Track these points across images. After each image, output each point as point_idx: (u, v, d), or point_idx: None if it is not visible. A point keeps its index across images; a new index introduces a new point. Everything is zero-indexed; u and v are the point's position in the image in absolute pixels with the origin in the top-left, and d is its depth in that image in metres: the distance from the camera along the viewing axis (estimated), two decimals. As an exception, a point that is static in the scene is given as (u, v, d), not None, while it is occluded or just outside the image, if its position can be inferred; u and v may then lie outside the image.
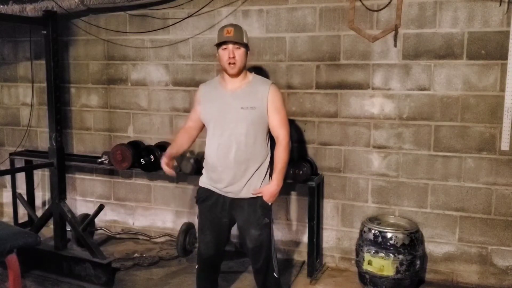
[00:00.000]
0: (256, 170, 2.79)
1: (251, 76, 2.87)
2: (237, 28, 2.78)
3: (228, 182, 2.78)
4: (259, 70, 3.84)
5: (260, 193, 2.80)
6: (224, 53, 2.73)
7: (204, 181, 2.91)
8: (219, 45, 2.76)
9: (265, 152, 2.83)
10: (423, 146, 3.63)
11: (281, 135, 2.80)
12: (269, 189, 2.80)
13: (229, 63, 2.72)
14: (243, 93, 2.78)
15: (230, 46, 2.72)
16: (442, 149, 3.59)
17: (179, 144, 3.00)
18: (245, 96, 2.77)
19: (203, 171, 2.93)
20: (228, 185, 2.79)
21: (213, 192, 2.86)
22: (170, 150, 2.98)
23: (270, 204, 2.84)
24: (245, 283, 3.63)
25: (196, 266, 3.02)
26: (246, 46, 2.80)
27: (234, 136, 2.74)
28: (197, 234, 4.13)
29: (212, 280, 3.05)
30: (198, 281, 3.04)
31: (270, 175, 2.86)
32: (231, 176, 2.76)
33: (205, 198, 2.88)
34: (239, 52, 2.74)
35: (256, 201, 2.82)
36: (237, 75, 2.78)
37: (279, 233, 4.04)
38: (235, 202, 2.83)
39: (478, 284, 3.60)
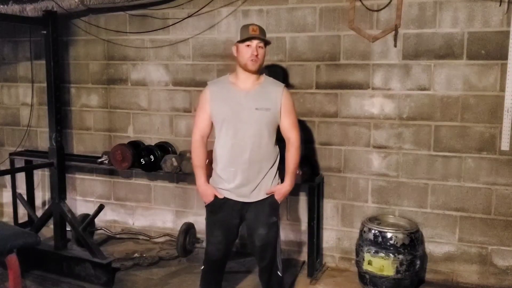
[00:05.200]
0: (269, 170, 2.81)
1: (263, 77, 2.88)
2: (261, 28, 2.82)
3: (241, 182, 2.78)
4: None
5: (273, 192, 2.83)
6: (247, 50, 2.74)
7: (214, 184, 2.88)
8: (242, 41, 2.75)
9: (276, 153, 2.87)
10: (423, 146, 3.63)
11: (293, 137, 2.83)
12: (282, 189, 2.85)
13: (251, 60, 2.73)
14: (257, 93, 2.78)
15: (255, 43, 2.75)
16: (442, 149, 3.59)
17: (204, 163, 2.89)
18: (259, 96, 2.78)
19: (213, 172, 2.90)
20: (240, 185, 2.78)
21: (224, 194, 2.84)
22: (204, 178, 2.86)
23: (279, 203, 2.87)
24: (245, 283, 3.63)
25: (202, 267, 2.98)
26: (266, 46, 2.83)
27: (249, 136, 2.74)
28: (197, 234, 4.18)
29: (218, 281, 3.02)
30: (204, 282, 3.00)
31: (279, 175, 2.89)
32: (244, 176, 2.77)
33: (215, 200, 2.85)
34: (261, 51, 2.78)
35: (266, 200, 2.84)
36: (255, 72, 2.79)
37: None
38: (246, 203, 2.84)
39: (478, 284, 3.60)
